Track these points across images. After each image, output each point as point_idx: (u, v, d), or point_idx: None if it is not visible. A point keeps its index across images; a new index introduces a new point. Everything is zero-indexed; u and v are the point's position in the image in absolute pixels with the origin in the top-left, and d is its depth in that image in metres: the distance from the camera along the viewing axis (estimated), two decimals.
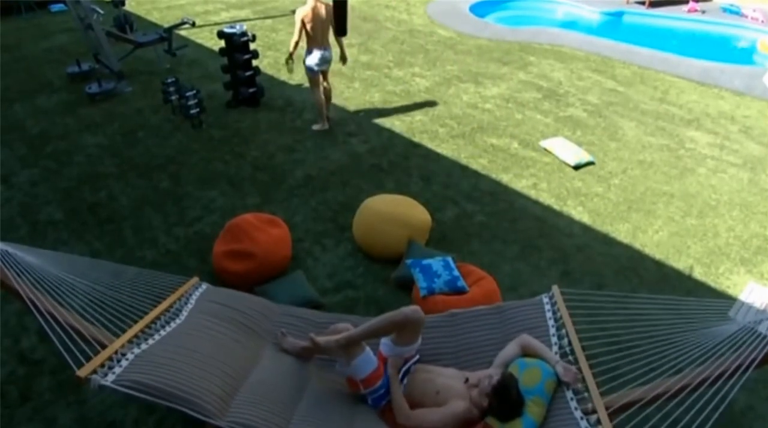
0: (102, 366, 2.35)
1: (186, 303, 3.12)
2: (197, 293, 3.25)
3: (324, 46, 5.91)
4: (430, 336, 3.18)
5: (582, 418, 2.43)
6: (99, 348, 2.48)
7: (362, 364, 2.72)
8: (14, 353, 3.61)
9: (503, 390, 2.57)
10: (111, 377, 2.29)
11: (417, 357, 2.99)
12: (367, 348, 2.82)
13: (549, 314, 3.04)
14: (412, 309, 2.77)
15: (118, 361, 2.42)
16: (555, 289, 3.14)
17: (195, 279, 3.38)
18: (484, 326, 3.18)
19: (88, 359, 2.37)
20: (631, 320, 2.83)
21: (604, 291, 3.17)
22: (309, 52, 5.93)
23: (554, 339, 2.90)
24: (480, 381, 2.68)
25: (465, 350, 3.12)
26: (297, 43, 5.85)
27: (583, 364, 2.66)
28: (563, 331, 2.89)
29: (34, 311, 2.37)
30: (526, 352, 2.87)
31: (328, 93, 6.42)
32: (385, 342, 2.93)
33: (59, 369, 3.46)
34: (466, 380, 2.75)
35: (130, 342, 2.60)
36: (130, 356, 2.47)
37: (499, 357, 2.91)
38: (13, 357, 3.58)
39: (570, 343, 2.81)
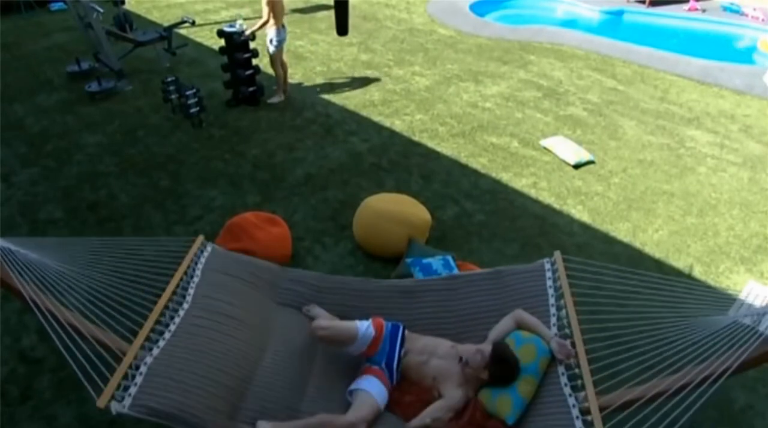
0: (118, 387, 2.39)
1: (192, 278, 3.11)
2: (203, 260, 3.24)
3: (283, 25, 6.67)
4: (428, 300, 3.23)
5: (570, 395, 2.48)
6: (100, 348, 2.48)
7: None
8: (14, 351, 3.61)
9: (501, 357, 2.66)
10: (128, 401, 2.35)
11: (402, 351, 2.94)
12: (359, 331, 2.89)
13: (549, 282, 3.02)
14: (309, 331, 2.96)
15: (132, 377, 2.45)
16: (557, 255, 3.11)
17: (200, 239, 3.35)
18: (482, 291, 3.18)
19: (95, 364, 2.37)
20: (630, 304, 2.83)
21: (604, 263, 3.15)
22: (276, 32, 6.56)
23: (552, 310, 2.90)
24: (471, 358, 2.73)
25: (462, 317, 3.14)
26: (264, 24, 6.54)
27: (578, 339, 2.67)
28: (562, 302, 2.89)
29: (46, 315, 2.38)
30: (521, 327, 2.88)
31: (286, 67, 7.13)
32: None
33: (59, 367, 3.47)
34: (460, 359, 2.78)
35: (141, 347, 2.60)
36: (143, 368, 2.49)
37: (494, 331, 2.93)
38: (14, 355, 3.59)
39: (567, 315, 2.81)
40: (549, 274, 3.06)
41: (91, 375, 2.33)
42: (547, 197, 5.31)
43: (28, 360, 3.56)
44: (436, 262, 3.93)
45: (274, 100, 7.10)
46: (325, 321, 3.02)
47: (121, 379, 2.43)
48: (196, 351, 2.64)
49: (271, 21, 6.48)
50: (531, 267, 3.16)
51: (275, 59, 6.82)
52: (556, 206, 5.20)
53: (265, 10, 6.39)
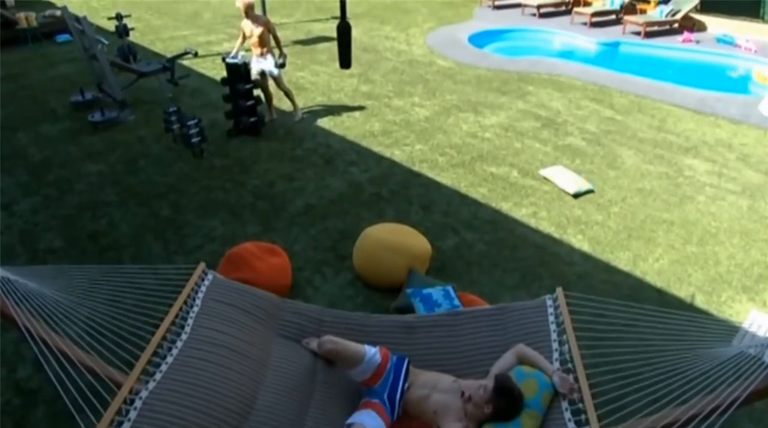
0: (111, 423, 2.33)
1: (192, 307, 3.06)
2: (203, 289, 3.20)
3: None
4: (430, 335, 3.21)
5: None
6: (95, 381, 2.44)
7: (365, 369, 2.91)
8: (10, 383, 3.57)
9: (504, 389, 2.62)
10: None
11: (406, 385, 2.92)
12: (366, 355, 2.90)
13: (551, 318, 3.02)
14: (318, 342, 3.07)
15: (126, 412, 2.39)
16: (559, 292, 3.10)
17: (201, 266, 3.32)
18: (485, 327, 3.18)
19: (90, 398, 2.33)
20: (633, 338, 2.81)
21: (607, 298, 3.14)
22: (272, 55, 7.06)
23: (555, 345, 2.88)
24: (474, 393, 2.69)
25: (464, 353, 3.12)
26: (280, 46, 7.08)
27: (581, 374, 2.64)
28: (564, 337, 2.87)
29: (40, 345, 2.35)
30: (523, 362, 2.86)
31: (271, 95, 7.50)
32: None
33: (54, 399, 3.42)
34: (462, 394, 2.74)
35: (137, 380, 2.56)
36: (138, 402, 2.44)
37: (495, 367, 2.91)
38: (9, 386, 3.54)
39: (570, 350, 2.79)
40: (551, 310, 3.06)
41: (83, 409, 2.26)
42: (547, 227, 5.32)
43: (24, 391, 3.51)
44: (436, 292, 3.91)
45: (298, 116, 7.53)
46: (334, 337, 3.03)
47: (115, 414, 2.37)
48: (193, 385, 2.60)
49: (265, 48, 6.93)
50: (533, 304, 3.17)
51: (280, 80, 7.16)
52: (556, 235, 5.20)
53: (268, 35, 6.84)
